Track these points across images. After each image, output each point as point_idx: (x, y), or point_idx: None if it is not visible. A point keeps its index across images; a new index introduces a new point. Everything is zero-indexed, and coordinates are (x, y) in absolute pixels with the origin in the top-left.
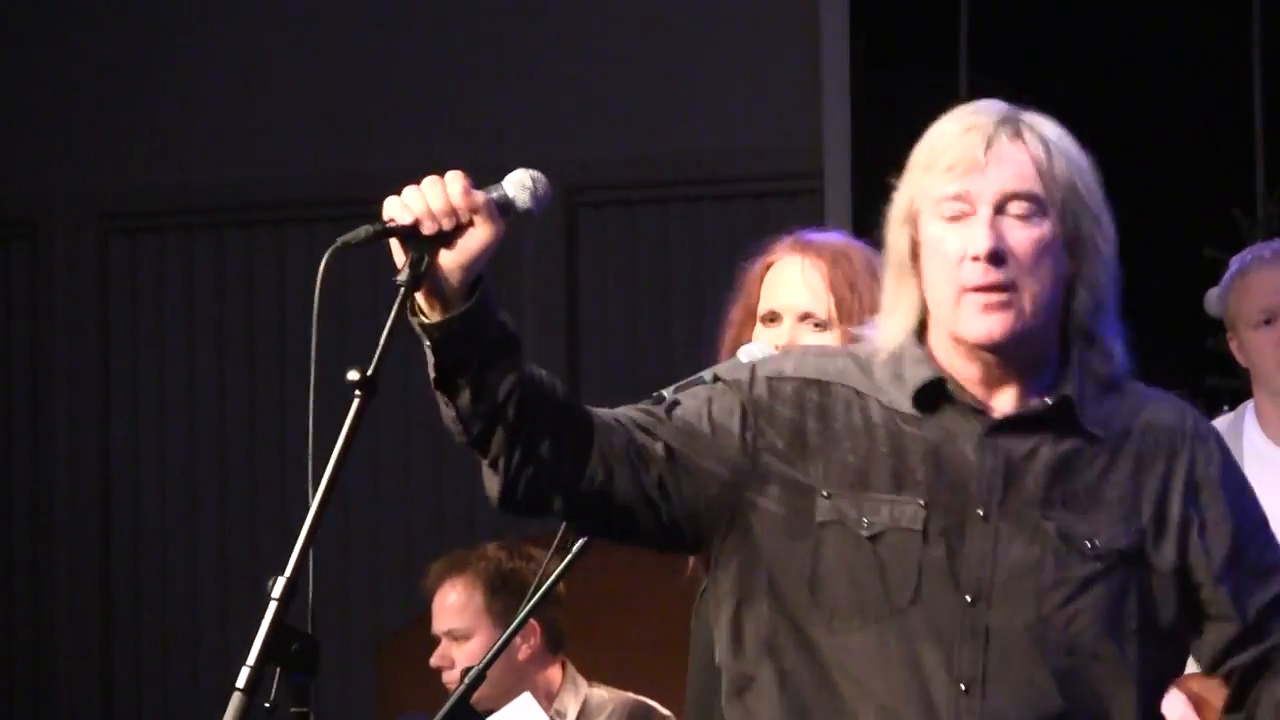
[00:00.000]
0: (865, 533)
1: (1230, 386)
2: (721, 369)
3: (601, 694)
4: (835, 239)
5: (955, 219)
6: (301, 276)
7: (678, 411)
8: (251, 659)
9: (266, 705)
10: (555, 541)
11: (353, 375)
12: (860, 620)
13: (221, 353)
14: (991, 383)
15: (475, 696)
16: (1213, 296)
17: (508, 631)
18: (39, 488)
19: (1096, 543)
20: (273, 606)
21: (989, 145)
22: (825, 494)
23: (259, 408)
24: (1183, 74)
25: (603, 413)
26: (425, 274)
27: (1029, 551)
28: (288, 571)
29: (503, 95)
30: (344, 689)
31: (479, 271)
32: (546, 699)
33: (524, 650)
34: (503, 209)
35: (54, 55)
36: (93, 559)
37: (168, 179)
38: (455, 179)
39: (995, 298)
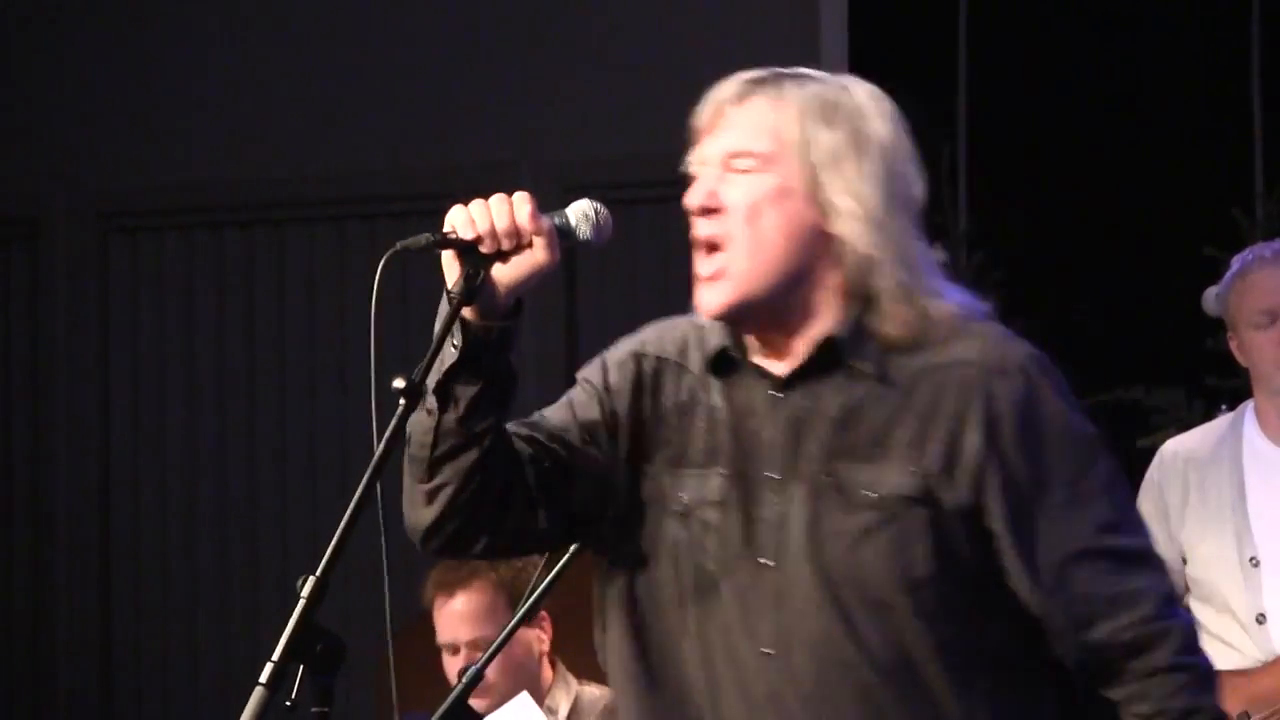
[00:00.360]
0: (678, 508)
1: (1229, 386)
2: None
3: (593, 691)
4: None
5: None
6: (302, 276)
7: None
8: (277, 655)
9: (287, 704)
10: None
11: (399, 383)
12: (676, 593)
13: (221, 352)
14: (772, 344)
15: (495, 694)
16: (1211, 296)
17: (505, 632)
18: (38, 487)
19: (877, 491)
20: (301, 604)
21: (721, 111)
22: (649, 472)
23: (259, 408)
24: (1182, 73)
25: (521, 449)
26: (478, 290)
27: (815, 508)
28: (319, 571)
29: (503, 95)
30: (344, 688)
31: (523, 294)
32: (537, 697)
33: (543, 641)
34: (562, 235)
35: (54, 55)
36: (92, 558)
37: (168, 179)
38: (523, 201)
39: (707, 261)
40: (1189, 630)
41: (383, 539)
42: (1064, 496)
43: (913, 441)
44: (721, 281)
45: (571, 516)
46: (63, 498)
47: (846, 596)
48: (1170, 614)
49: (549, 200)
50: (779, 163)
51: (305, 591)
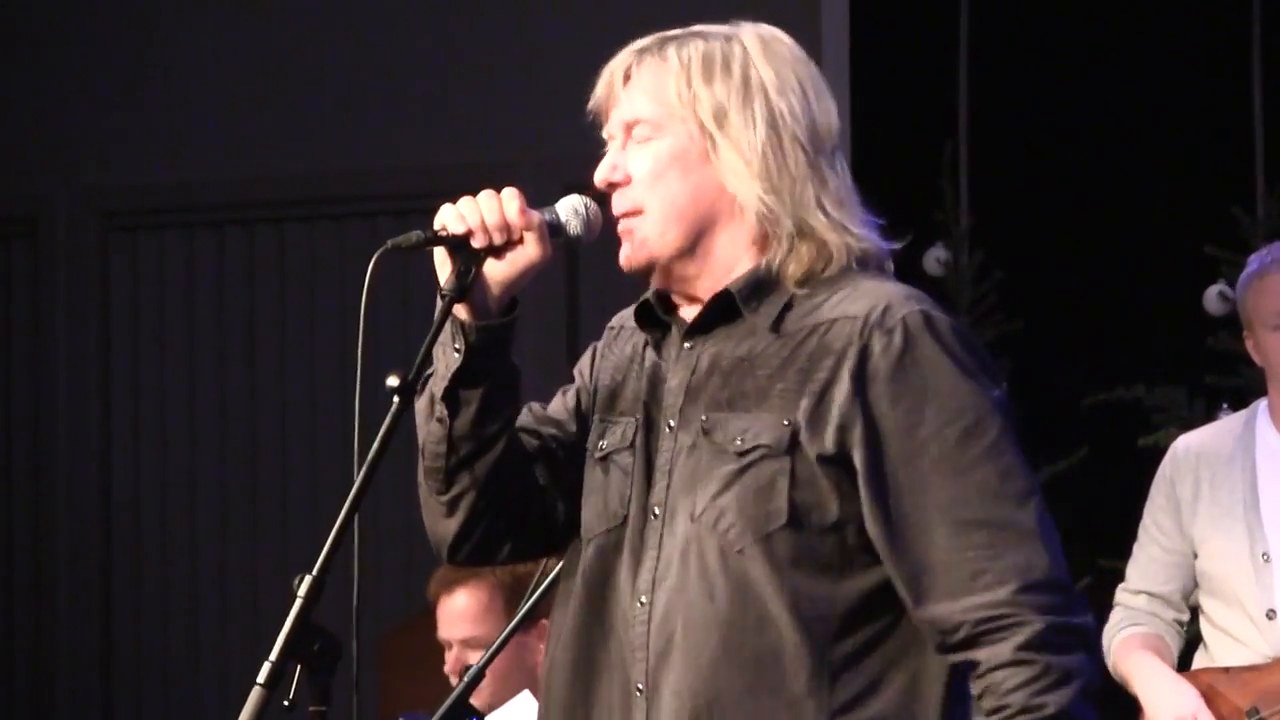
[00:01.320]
0: (599, 455)
1: (1230, 385)
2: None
3: None
4: None
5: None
6: (302, 275)
7: (545, 414)
8: (274, 654)
9: (286, 703)
10: None
11: (392, 381)
12: (590, 539)
13: (222, 351)
14: (692, 298)
15: (486, 698)
16: (1213, 294)
17: (504, 633)
18: (39, 486)
19: (745, 441)
20: (298, 604)
21: (612, 84)
22: (591, 426)
23: (260, 406)
24: (1182, 72)
25: (529, 445)
26: (470, 286)
27: (692, 457)
28: (315, 570)
29: (503, 95)
30: (344, 687)
31: (518, 292)
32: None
33: (540, 650)
34: (553, 231)
35: (54, 54)
36: (93, 556)
37: (168, 178)
38: (512, 196)
39: (623, 227)
40: (1055, 626)
41: (354, 540)
42: (934, 456)
43: (789, 393)
44: (633, 243)
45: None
46: (63, 496)
47: (707, 546)
48: (1032, 602)
49: (550, 200)
50: (670, 126)
51: (302, 591)
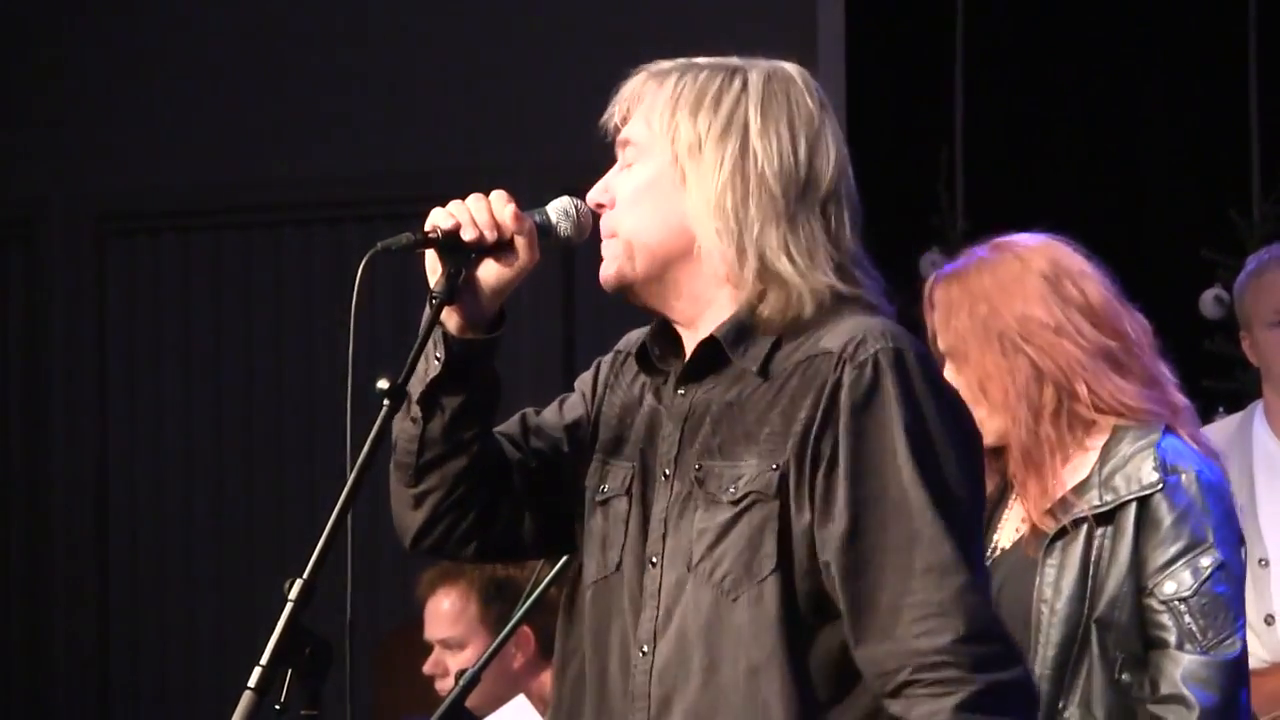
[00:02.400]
0: (599, 498)
1: (1226, 388)
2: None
3: None
4: None
5: None
6: (299, 279)
7: (536, 424)
8: (265, 659)
9: (277, 707)
10: None
11: (382, 384)
12: (588, 584)
13: (218, 355)
14: (682, 328)
15: (469, 703)
16: (1209, 298)
17: (500, 637)
18: (35, 490)
19: (737, 488)
20: (288, 607)
21: (617, 104)
22: (593, 464)
23: (256, 410)
24: (1178, 76)
25: (508, 450)
26: (460, 289)
27: (688, 506)
28: (305, 573)
29: (502, 96)
30: (340, 690)
31: (505, 299)
32: (542, 705)
33: (519, 658)
34: (542, 233)
35: (50, 57)
36: (89, 558)
37: (164, 181)
38: (500, 197)
39: (604, 247)
40: (994, 685)
41: (348, 541)
42: (889, 498)
43: (776, 435)
44: (611, 260)
45: (558, 519)
46: (59, 499)
47: (703, 595)
48: (972, 654)
49: (549, 202)
50: (651, 153)
51: (292, 594)
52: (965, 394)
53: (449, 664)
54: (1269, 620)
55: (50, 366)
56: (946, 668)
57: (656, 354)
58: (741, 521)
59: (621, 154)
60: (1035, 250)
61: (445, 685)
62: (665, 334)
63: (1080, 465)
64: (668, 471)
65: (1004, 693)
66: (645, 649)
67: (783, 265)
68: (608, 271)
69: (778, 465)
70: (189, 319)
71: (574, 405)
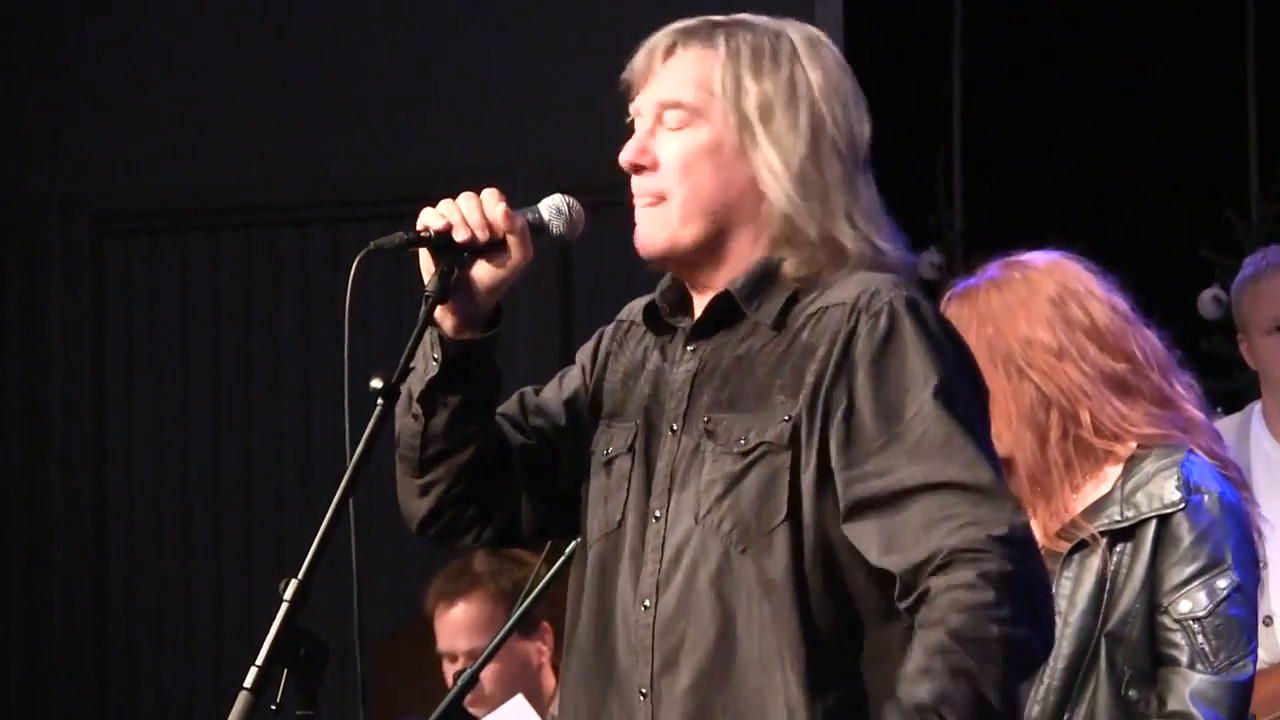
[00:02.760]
0: (603, 459)
1: (1224, 389)
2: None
3: None
4: None
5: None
6: (296, 279)
7: (536, 403)
8: (260, 659)
9: (273, 707)
10: (546, 549)
11: (376, 384)
12: (592, 542)
13: (216, 355)
14: (697, 293)
15: (486, 703)
16: (1207, 298)
17: (499, 635)
18: (34, 491)
19: (749, 440)
20: (284, 608)
21: (653, 62)
22: (596, 428)
23: (254, 410)
24: (1176, 75)
25: (509, 433)
26: (453, 287)
27: (695, 459)
28: (300, 574)
29: (502, 97)
30: (340, 691)
31: (500, 296)
32: (545, 703)
33: (544, 653)
34: (535, 231)
35: (48, 58)
36: (87, 560)
37: (162, 182)
38: (491, 196)
39: (642, 211)
40: (1024, 574)
41: (352, 544)
42: (916, 431)
43: (788, 387)
44: (652, 228)
45: (561, 501)
46: (58, 501)
47: (711, 547)
48: (1006, 550)
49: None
50: (709, 116)
51: (288, 595)
52: None
53: (480, 673)
54: (1267, 621)
55: (48, 366)
56: (980, 552)
57: (666, 310)
58: (752, 472)
59: (659, 113)
60: (1044, 272)
61: (477, 699)
62: (675, 293)
63: (1092, 490)
64: (675, 427)
65: (1030, 585)
66: (647, 603)
67: (844, 231)
68: (655, 238)
69: (790, 416)
70: (187, 319)
71: (573, 378)
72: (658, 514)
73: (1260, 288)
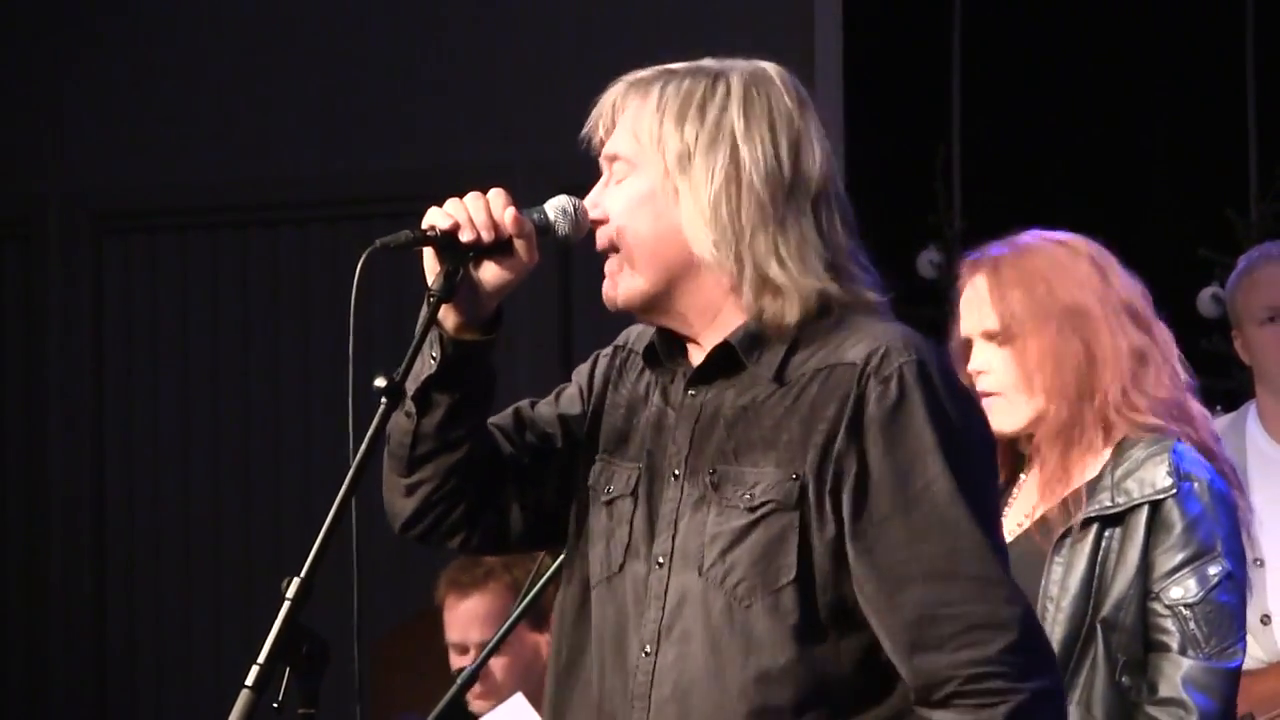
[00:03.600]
0: (604, 498)
1: (1223, 387)
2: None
3: None
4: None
5: None
6: (296, 277)
7: (531, 416)
8: (262, 657)
9: (275, 705)
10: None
11: (380, 382)
12: (595, 583)
13: (216, 354)
14: (691, 339)
15: (488, 699)
16: (1206, 297)
17: (499, 634)
18: (33, 490)
19: (754, 494)
20: (285, 606)
21: (603, 113)
22: (595, 461)
23: (254, 409)
24: (1175, 74)
25: (500, 444)
26: (458, 287)
27: (699, 509)
28: (302, 572)
29: (502, 96)
30: (341, 689)
31: (506, 295)
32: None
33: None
34: (540, 231)
35: (47, 56)
36: (86, 560)
37: (162, 180)
38: (498, 196)
39: (607, 265)
40: (1039, 693)
41: (353, 542)
42: (924, 510)
43: (794, 444)
44: (613, 278)
45: (547, 513)
46: (57, 498)
47: (714, 600)
48: (1017, 663)
49: (545, 201)
50: (642, 166)
51: (290, 593)
52: (1005, 376)
53: (489, 665)
54: (1265, 620)
55: (47, 365)
56: (995, 678)
57: (665, 353)
58: (758, 529)
59: (609, 168)
60: (1078, 243)
61: (482, 689)
62: (670, 336)
63: (1093, 464)
64: (677, 472)
65: (1049, 698)
66: (648, 649)
67: (774, 270)
68: (612, 289)
69: (797, 475)
70: (186, 318)
71: (570, 399)
72: (660, 560)
73: (1254, 278)
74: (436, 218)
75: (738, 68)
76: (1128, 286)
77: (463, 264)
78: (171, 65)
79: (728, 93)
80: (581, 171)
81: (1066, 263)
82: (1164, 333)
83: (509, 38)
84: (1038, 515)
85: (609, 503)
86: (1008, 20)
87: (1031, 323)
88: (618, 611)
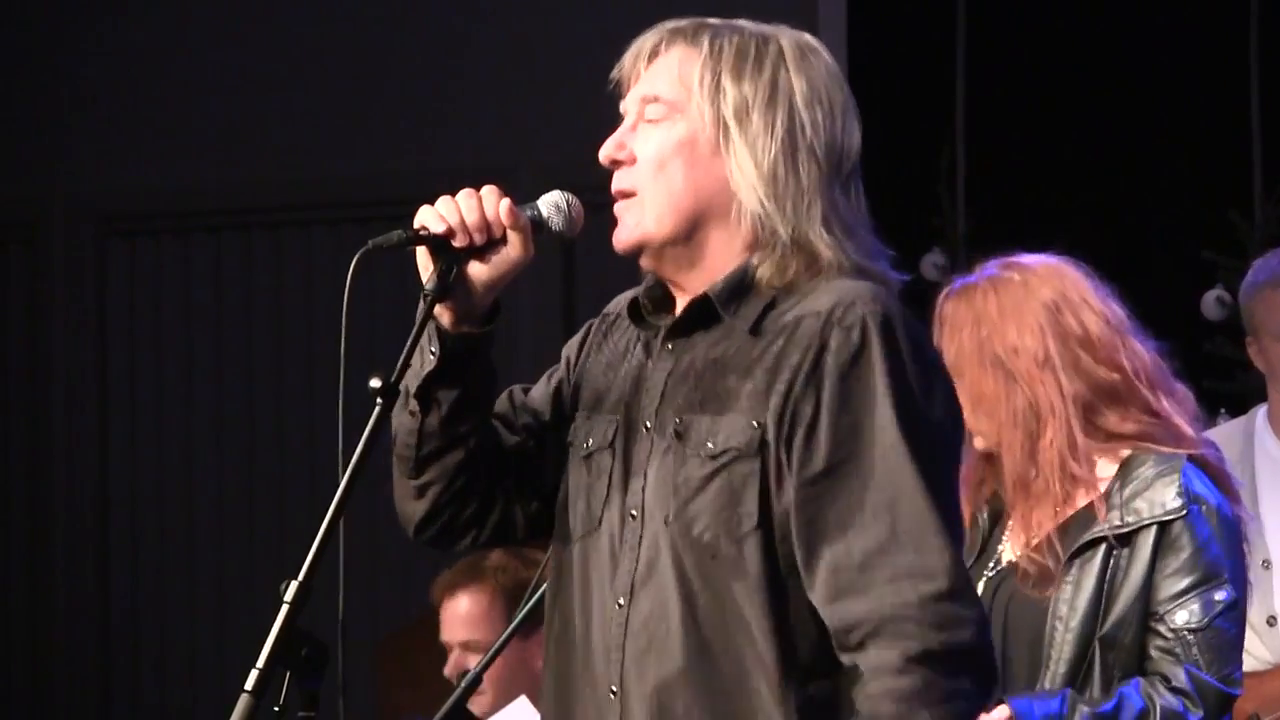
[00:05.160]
0: (583, 453)
1: (1227, 390)
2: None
3: None
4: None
5: None
6: (298, 280)
7: (524, 401)
8: (261, 661)
9: (276, 709)
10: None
11: (375, 383)
12: (575, 538)
13: (219, 356)
14: (678, 292)
15: (487, 703)
16: (1210, 299)
17: (504, 636)
18: (37, 491)
19: (716, 444)
20: (284, 610)
21: (639, 57)
22: (576, 419)
23: (256, 411)
24: (1180, 76)
25: (502, 435)
26: (453, 285)
27: (666, 459)
28: (300, 575)
29: (500, 99)
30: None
31: (501, 291)
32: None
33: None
34: (535, 228)
35: (51, 58)
36: (90, 561)
37: (165, 182)
38: (491, 194)
39: (619, 206)
40: (951, 644)
41: (340, 544)
42: (869, 460)
43: (758, 393)
44: (626, 224)
45: (552, 495)
46: (61, 501)
47: (682, 549)
48: (936, 612)
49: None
50: (686, 112)
51: (288, 597)
52: (964, 403)
53: (470, 666)
54: (1271, 621)
55: (51, 367)
56: (907, 622)
57: (649, 308)
58: (719, 476)
59: (639, 108)
60: (1041, 277)
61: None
62: (658, 290)
63: (1083, 496)
64: (649, 424)
65: (959, 655)
66: (621, 601)
67: (819, 237)
68: (628, 234)
69: (759, 423)
70: (189, 320)
71: (559, 373)
72: (634, 513)
73: (1277, 295)
74: (429, 218)
75: (782, 30)
76: (1090, 322)
77: (457, 262)
78: (175, 68)
79: (780, 53)
80: (585, 174)
81: (1016, 305)
82: (1139, 359)
83: (511, 39)
84: (1006, 562)
85: (587, 457)
86: (1012, 22)
87: (971, 365)
88: (598, 565)
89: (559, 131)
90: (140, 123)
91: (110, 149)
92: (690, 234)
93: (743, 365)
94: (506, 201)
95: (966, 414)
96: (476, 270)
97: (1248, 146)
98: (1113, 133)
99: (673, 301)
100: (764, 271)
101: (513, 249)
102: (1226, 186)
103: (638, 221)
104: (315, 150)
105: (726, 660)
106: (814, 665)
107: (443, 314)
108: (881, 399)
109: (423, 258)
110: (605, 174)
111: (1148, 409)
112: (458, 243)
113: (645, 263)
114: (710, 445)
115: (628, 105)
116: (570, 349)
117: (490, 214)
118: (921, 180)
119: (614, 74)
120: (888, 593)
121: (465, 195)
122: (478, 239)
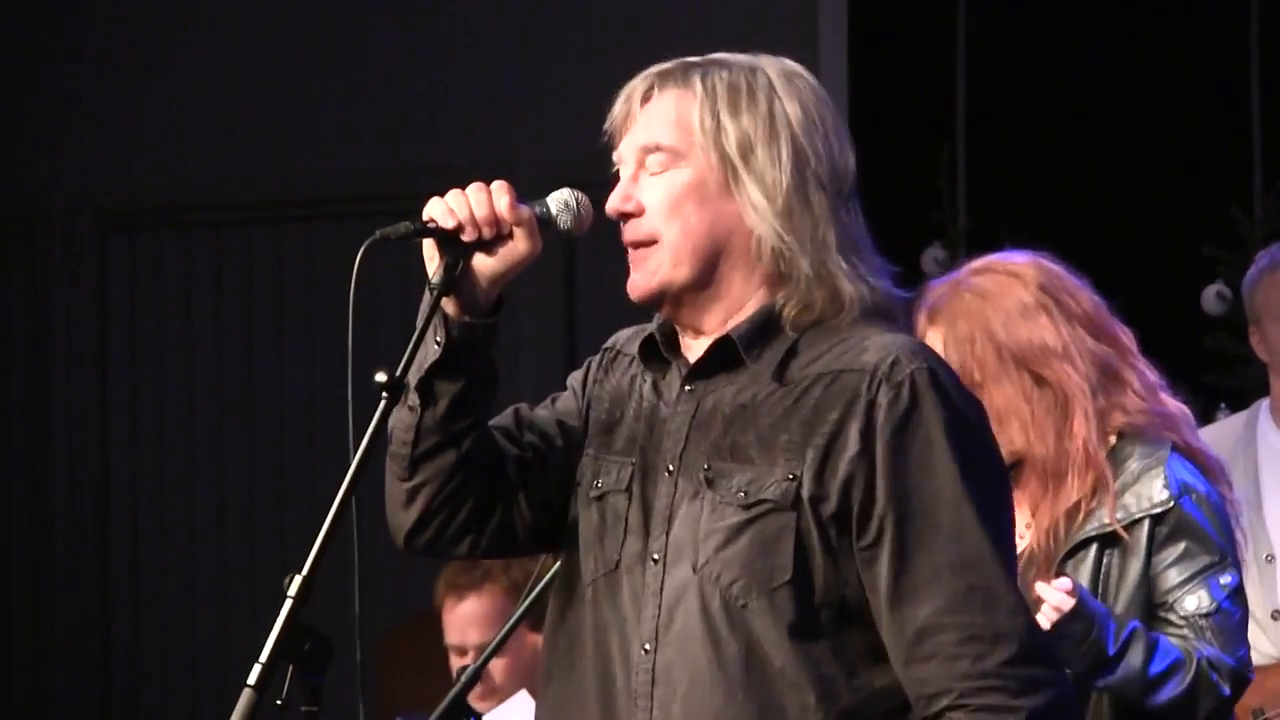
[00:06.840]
0: (593, 494)
1: (1228, 385)
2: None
3: None
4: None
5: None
6: (300, 275)
7: (530, 419)
8: (264, 656)
9: (279, 702)
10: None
11: (380, 377)
12: (588, 581)
13: (220, 352)
14: (694, 330)
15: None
16: (1210, 294)
17: (501, 634)
18: (37, 488)
19: (749, 493)
20: (288, 604)
21: (630, 104)
22: (584, 458)
23: (258, 407)
24: (1180, 72)
25: (504, 446)
26: (458, 280)
27: (694, 505)
28: (304, 570)
29: (501, 94)
30: (343, 686)
31: (506, 286)
32: None
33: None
34: (543, 225)
35: (52, 54)
36: (90, 559)
37: (166, 178)
38: (501, 189)
39: (634, 255)
40: (1038, 709)
41: (354, 539)
42: (935, 519)
43: (794, 445)
44: (644, 272)
45: (551, 514)
46: (61, 497)
47: (710, 598)
48: (1018, 677)
49: (549, 193)
50: (690, 156)
51: (292, 591)
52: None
53: (489, 667)
54: (1275, 615)
55: (52, 363)
56: (993, 693)
57: (662, 343)
58: (752, 528)
59: (641, 158)
60: (1027, 269)
61: (479, 693)
62: (667, 327)
63: (1096, 487)
64: (671, 467)
65: (1048, 715)
66: (647, 647)
67: (836, 266)
68: (647, 282)
69: (794, 475)
70: (190, 316)
71: (566, 401)
72: (655, 557)
73: (1277, 276)
74: (437, 212)
75: (763, 59)
76: (1083, 301)
77: (463, 256)
78: (175, 63)
79: (770, 84)
80: (586, 170)
81: (1020, 305)
82: (1128, 335)
83: (512, 37)
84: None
85: (599, 498)
86: (1012, 17)
87: (992, 371)
88: (615, 608)
89: (562, 128)
90: (140, 118)
91: (110, 144)
92: (710, 276)
93: (774, 413)
94: (510, 198)
95: (995, 430)
96: (483, 264)
97: (1248, 142)
98: (1114, 128)
99: (678, 341)
100: (790, 310)
101: (520, 244)
102: (1227, 182)
103: (658, 267)
104: (316, 146)
105: (758, 708)
106: (860, 713)
107: (447, 306)
108: (941, 455)
109: (429, 250)
110: (606, 172)
111: (1144, 383)
112: (466, 237)
113: (665, 311)
114: (743, 495)
115: (624, 155)
116: (575, 381)
117: (500, 209)
118: (922, 175)
119: (606, 125)
120: (966, 658)
121: (475, 189)
122: (486, 233)
